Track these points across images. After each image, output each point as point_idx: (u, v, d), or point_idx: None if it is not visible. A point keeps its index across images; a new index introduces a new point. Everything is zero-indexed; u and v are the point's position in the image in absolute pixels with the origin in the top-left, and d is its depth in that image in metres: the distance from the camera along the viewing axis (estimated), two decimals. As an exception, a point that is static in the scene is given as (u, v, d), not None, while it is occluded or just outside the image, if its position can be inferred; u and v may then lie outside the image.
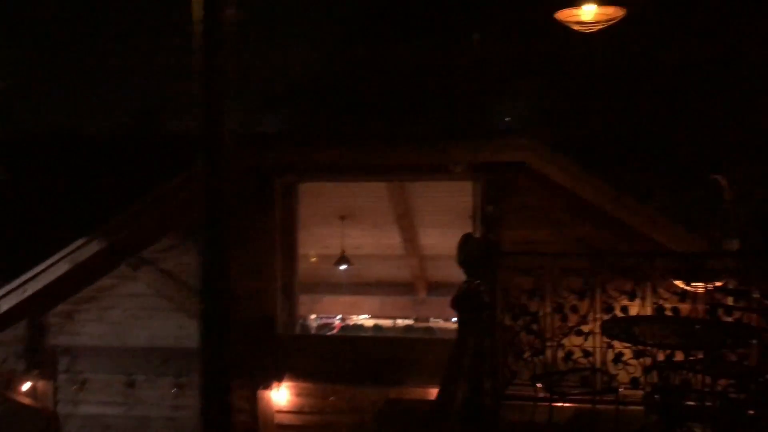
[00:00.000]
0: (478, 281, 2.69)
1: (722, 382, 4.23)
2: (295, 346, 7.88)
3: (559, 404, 4.51)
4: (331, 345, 8.31)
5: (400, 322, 12.14)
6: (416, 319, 11.91)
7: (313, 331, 11.99)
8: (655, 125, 8.54)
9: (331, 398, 7.58)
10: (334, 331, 13.12)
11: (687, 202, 7.21)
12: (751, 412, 4.17)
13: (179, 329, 7.90)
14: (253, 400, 7.70)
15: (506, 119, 9.42)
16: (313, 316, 12.99)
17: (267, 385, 7.65)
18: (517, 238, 6.95)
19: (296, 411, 7.67)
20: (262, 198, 7.70)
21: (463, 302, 2.61)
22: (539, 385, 4.40)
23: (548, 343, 4.64)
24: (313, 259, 11.42)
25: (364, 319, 13.60)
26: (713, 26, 9.01)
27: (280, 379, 7.67)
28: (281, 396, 7.67)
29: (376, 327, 13.16)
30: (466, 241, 2.66)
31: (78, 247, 7.67)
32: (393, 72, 9.68)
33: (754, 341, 4.02)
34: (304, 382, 7.67)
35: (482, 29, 8.57)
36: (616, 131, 8.72)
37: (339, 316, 13.43)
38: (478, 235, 4.67)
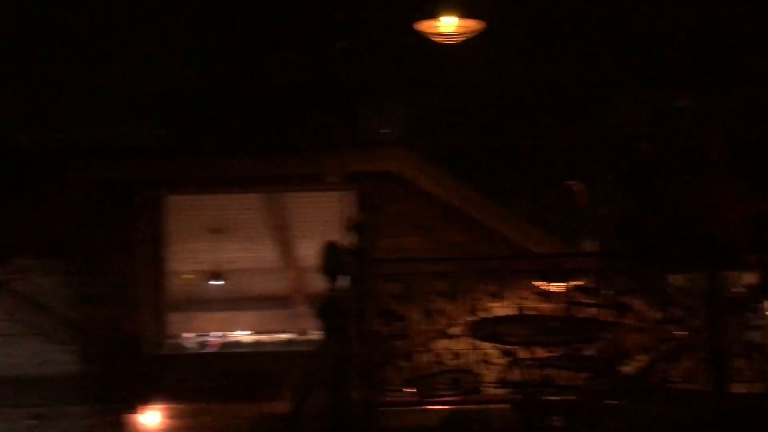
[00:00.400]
0: (342, 289, 2.67)
1: (582, 375, 4.45)
2: (164, 366, 7.55)
3: (434, 407, 4.58)
4: (203, 363, 8.04)
5: (282, 336, 11.96)
6: (299, 333, 11.77)
7: (191, 350, 11.58)
8: (521, 134, 8.95)
9: (206, 418, 7.31)
10: (213, 349, 12.73)
11: (548, 207, 7.59)
12: (608, 402, 4.42)
13: (38, 355, 7.38)
14: (120, 426, 7.28)
15: (382, 130, 9.54)
16: (190, 335, 12.55)
17: (135, 409, 7.27)
18: (391, 246, 7.03)
19: (167, 434, 7.33)
20: (125, 212, 7.35)
21: (326, 310, 2.57)
22: (411, 390, 4.44)
23: (419, 348, 4.71)
24: (189, 276, 11.04)
25: (244, 335, 13.30)
26: (571, 39, 9.58)
27: (148, 402, 7.32)
28: (151, 419, 7.30)
29: (257, 343, 12.90)
30: (328, 249, 2.63)
31: None
32: (265, 83, 9.55)
33: (607, 335, 4.26)
34: (175, 403, 7.35)
35: (354, 39, 8.66)
36: (484, 141, 9.05)
37: (219, 334, 13.05)
38: (348, 243, 4.66)
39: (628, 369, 4.67)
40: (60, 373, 7.32)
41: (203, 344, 12.67)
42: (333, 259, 2.61)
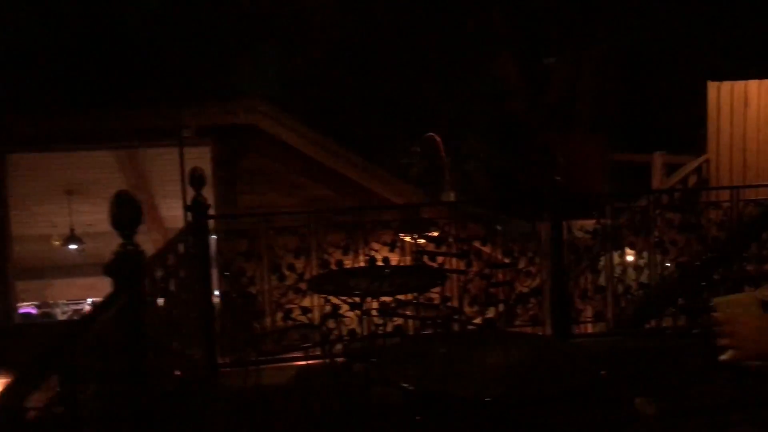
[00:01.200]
0: (135, 244, 2.44)
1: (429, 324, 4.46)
2: (12, 337, 7.03)
3: (282, 365, 4.46)
4: (50, 332, 7.53)
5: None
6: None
7: (60, 318, 10.95)
8: (388, 87, 8.86)
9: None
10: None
11: (412, 161, 7.59)
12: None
13: None
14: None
15: (247, 84, 9.16)
16: (61, 302, 11.85)
17: (-22, 385, 6.73)
18: (250, 202, 6.82)
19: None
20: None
21: (115, 268, 2.34)
22: (258, 348, 4.29)
23: (267, 305, 4.56)
24: (56, 242, 10.35)
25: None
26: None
27: (-6, 377, 6.79)
28: (-4, 395, 6.81)
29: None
30: (117, 200, 2.39)
31: None
32: (119, 33, 8.91)
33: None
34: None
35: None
36: (348, 94, 8.90)
37: (90, 300, 12.40)
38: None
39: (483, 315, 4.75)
40: None
41: (77, 312, 12.02)
42: (124, 212, 2.37)
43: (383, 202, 6.85)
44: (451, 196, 6.58)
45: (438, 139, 6.53)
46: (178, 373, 3.47)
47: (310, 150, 7.10)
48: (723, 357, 1.93)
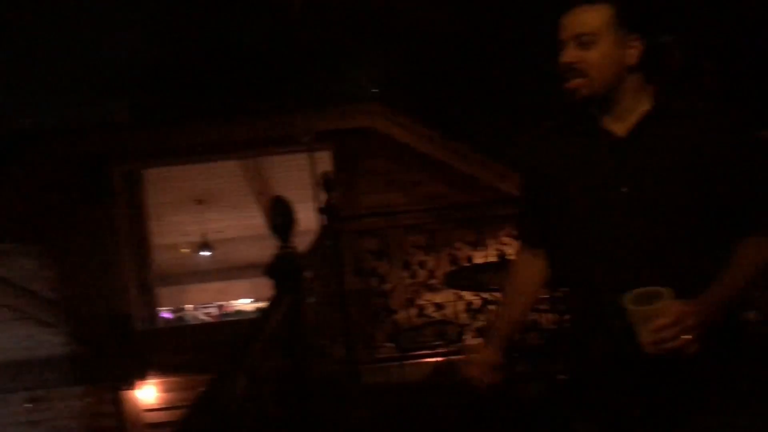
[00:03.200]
0: (292, 247, 2.55)
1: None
2: (157, 340, 7.50)
3: (420, 361, 4.52)
4: (195, 334, 7.98)
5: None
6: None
7: (193, 322, 11.56)
8: (497, 78, 8.72)
9: (201, 389, 7.28)
10: (213, 320, 12.73)
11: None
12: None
13: (27, 339, 7.31)
14: (117, 402, 7.28)
15: (361, 86, 9.31)
16: (191, 308, 12.54)
17: (130, 385, 7.24)
18: (371, 202, 6.92)
19: (165, 407, 7.32)
20: (102, 189, 7.19)
21: (275, 269, 2.46)
22: (393, 345, 4.37)
23: (401, 302, 4.63)
24: (185, 250, 10.96)
25: (246, 304, 13.28)
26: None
27: (143, 377, 7.28)
28: (148, 394, 7.29)
29: (259, 310, 12.84)
30: (275, 205, 2.51)
31: None
32: (232, 46, 9.29)
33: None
34: (171, 376, 7.31)
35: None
36: (463, 91, 8.84)
37: (217, 304, 13.03)
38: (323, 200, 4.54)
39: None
40: (52, 355, 7.26)
41: (204, 316, 12.69)
42: (281, 216, 2.48)
43: (502, 195, 6.77)
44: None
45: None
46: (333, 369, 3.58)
47: (425, 147, 7.12)
48: None
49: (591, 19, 1.63)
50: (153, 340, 7.52)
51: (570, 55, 1.64)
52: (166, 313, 11.15)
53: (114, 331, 7.21)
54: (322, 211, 4.53)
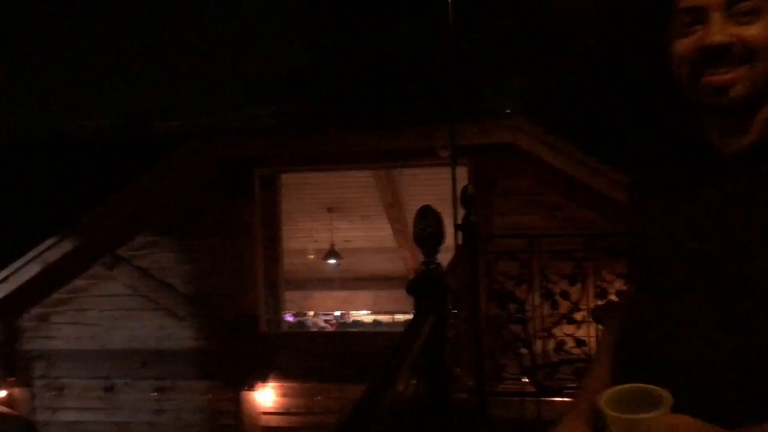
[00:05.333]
0: (438, 262, 2.31)
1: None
2: (280, 344, 7.53)
3: (550, 398, 4.15)
4: (318, 342, 7.95)
5: (399, 317, 11.78)
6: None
7: (314, 329, 11.68)
8: (649, 97, 8.15)
9: (319, 397, 7.22)
10: (331, 328, 12.81)
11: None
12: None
13: (159, 330, 7.58)
14: (237, 402, 7.36)
15: (506, 103, 9.03)
16: (311, 313, 12.69)
17: (251, 386, 7.30)
18: (508, 223, 6.59)
19: (282, 412, 7.33)
20: (242, 191, 7.34)
21: (419, 286, 2.23)
22: (526, 379, 4.03)
23: (538, 333, 4.29)
24: (311, 256, 11.09)
25: (363, 315, 13.28)
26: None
27: (264, 380, 7.33)
28: (266, 397, 7.32)
29: (375, 322, 12.82)
30: (422, 215, 2.28)
31: (48, 247, 7.33)
32: (377, 58, 9.31)
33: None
34: (290, 381, 7.32)
35: (468, 8, 8.19)
36: (612, 111, 8.33)
37: (337, 313, 13.13)
38: (461, 216, 4.29)
39: None
40: (180, 347, 7.48)
41: (323, 323, 12.80)
42: (428, 227, 2.25)
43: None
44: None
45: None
46: (462, 397, 3.32)
47: (571, 168, 6.70)
48: None
49: None
50: (277, 343, 7.55)
51: (721, 31, 1.07)
52: (288, 316, 11.31)
53: (241, 331, 7.31)
54: (459, 227, 4.28)
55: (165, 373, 7.51)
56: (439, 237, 2.30)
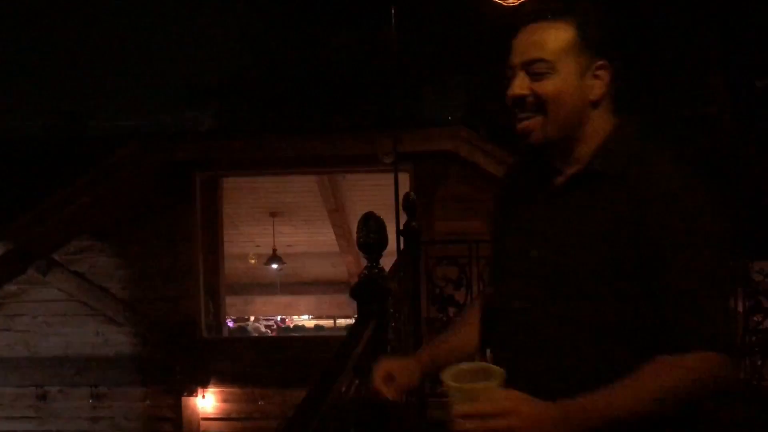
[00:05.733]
0: (380, 267, 2.38)
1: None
2: (221, 349, 7.49)
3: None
4: (260, 347, 7.93)
5: (342, 321, 11.83)
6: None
7: (255, 334, 11.60)
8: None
9: (260, 402, 7.21)
10: (272, 333, 12.75)
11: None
12: None
13: (95, 336, 7.43)
14: (177, 408, 7.27)
15: (445, 111, 9.20)
16: (252, 319, 12.60)
17: (191, 392, 7.23)
18: (448, 228, 6.73)
19: (223, 417, 7.28)
20: (181, 194, 7.26)
21: (362, 290, 2.30)
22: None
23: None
24: (252, 261, 11.02)
25: (305, 320, 13.26)
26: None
27: (205, 385, 7.27)
28: (207, 402, 7.26)
29: (318, 327, 12.83)
30: (365, 221, 2.35)
31: (-21, 251, 7.09)
32: (320, 63, 9.35)
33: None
34: (231, 387, 7.29)
35: (410, 17, 8.33)
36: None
37: (278, 318, 13.07)
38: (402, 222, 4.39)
39: None
40: (118, 354, 7.35)
41: (264, 328, 12.72)
42: (371, 233, 2.33)
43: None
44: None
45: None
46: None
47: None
48: None
49: (547, 40, 1.29)
50: (217, 349, 7.51)
51: (520, 86, 1.30)
52: (229, 322, 11.21)
53: (180, 337, 7.23)
54: (401, 233, 4.38)
55: (101, 379, 7.36)
56: (382, 243, 2.37)
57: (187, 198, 7.30)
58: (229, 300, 9.76)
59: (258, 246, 10.35)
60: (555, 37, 1.29)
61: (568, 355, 1.28)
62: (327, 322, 12.68)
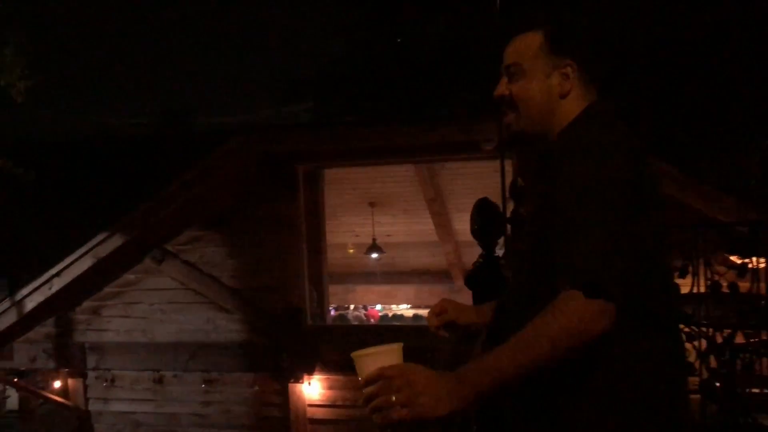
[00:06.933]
0: (496, 256, 2.31)
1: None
2: (326, 337, 7.58)
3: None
4: (363, 335, 7.98)
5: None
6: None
7: (355, 322, 11.74)
8: (698, 93, 7.96)
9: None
10: (373, 321, 12.87)
11: (736, 170, 6.66)
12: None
13: (206, 323, 7.70)
14: (284, 394, 7.45)
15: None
16: (351, 307, 12.76)
17: (297, 378, 7.38)
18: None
19: (328, 404, 7.40)
20: (285, 186, 7.40)
21: (476, 278, 2.24)
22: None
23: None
24: (351, 250, 11.15)
25: (404, 309, 13.31)
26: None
27: (311, 372, 7.40)
28: (313, 389, 7.40)
29: (416, 317, 12.84)
30: (479, 207, 2.29)
31: (100, 242, 7.50)
32: (418, 52, 9.27)
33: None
34: (335, 374, 7.37)
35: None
36: (657, 101, 8.17)
37: (378, 306, 13.18)
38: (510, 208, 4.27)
39: None
40: (227, 340, 7.59)
41: (364, 316, 12.87)
42: (486, 220, 2.25)
43: (706, 220, 6.11)
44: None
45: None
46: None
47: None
48: None
49: (518, 48, 1.52)
50: (322, 337, 7.61)
51: (500, 87, 1.54)
52: (330, 309, 11.38)
53: (287, 324, 7.39)
54: (509, 221, 4.27)
55: (212, 365, 7.63)
56: (499, 230, 2.30)
57: (290, 189, 7.42)
58: (330, 289, 9.92)
59: (357, 236, 10.43)
60: (525, 44, 1.51)
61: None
62: (425, 312, 12.66)
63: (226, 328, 7.61)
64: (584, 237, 1.23)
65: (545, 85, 1.49)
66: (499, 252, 2.40)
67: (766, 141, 5.69)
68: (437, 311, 1.77)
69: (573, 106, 1.49)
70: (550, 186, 1.34)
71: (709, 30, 7.78)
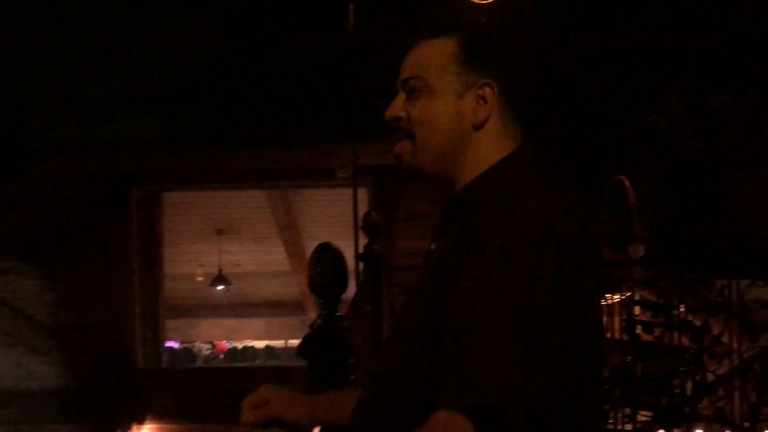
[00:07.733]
0: (339, 314, 1.85)
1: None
2: (159, 380, 6.91)
3: None
4: (204, 378, 7.36)
5: (294, 341, 11.31)
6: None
7: (201, 359, 11.05)
8: (558, 127, 8.14)
9: (203, 440, 6.62)
10: (220, 356, 12.15)
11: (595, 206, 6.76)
12: None
13: (16, 368, 6.79)
14: (109, 447, 6.63)
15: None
16: (199, 343, 12.00)
17: (125, 429, 6.65)
18: (410, 247, 6.28)
19: (161, 457, 6.66)
20: (116, 210, 6.70)
21: (314, 346, 1.76)
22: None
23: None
24: (200, 278, 10.43)
25: (255, 341, 12.71)
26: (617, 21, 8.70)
27: (141, 421, 6.70)
28: (143, 440, 6.64)
29: (268, 348, 12.30)
30: (320, 253, 1.82)
31: None
32: (272, 73, 8.86)
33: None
34: (170, 422, 6.73)
35: (370, 23, 7.90)
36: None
37: (227, 341, 12.50)
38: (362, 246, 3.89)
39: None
40: (44, 387, 6.77)
41: (210, 353, 12.11)
42: (329, 270, 1.80)
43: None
44: (641, 250, 5.70)
45: (627, 183, 5.70)
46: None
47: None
48: None
49: (422, 57, 1.14)
50: (155, 380, 6.94)
51: (395, 106, 1.15)
52: (171, 342, 10.57)
53: (113, 367, 6.65)
54: (360, 257, 3.89)
55: (24, 416, 6.73)
56: (342, 284, 1.84)
57: (123, 214, 6.75)
58: (171, 323, 9.15)
59: (202, 265, 9.77)
60: (433, 53, 1.14)
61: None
62: (278, 343, 12.16)
63: (41, 373, 6.74)
64: (486, 343, 0.93)
65: (455, 108, 1.12)
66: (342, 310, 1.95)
67: (616, 176, 5.77)
68: (255, 401, 1.30)
69: (489, 145, 1.13)
70: (451, 254, 1.05)
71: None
